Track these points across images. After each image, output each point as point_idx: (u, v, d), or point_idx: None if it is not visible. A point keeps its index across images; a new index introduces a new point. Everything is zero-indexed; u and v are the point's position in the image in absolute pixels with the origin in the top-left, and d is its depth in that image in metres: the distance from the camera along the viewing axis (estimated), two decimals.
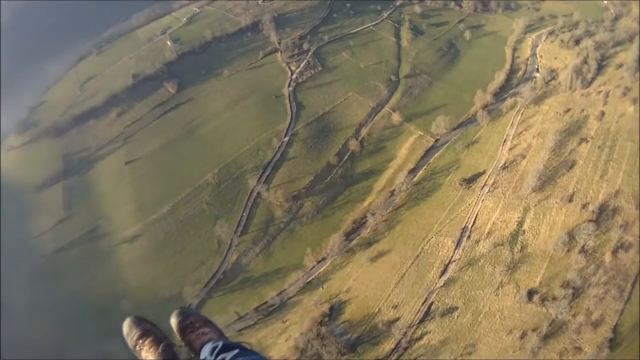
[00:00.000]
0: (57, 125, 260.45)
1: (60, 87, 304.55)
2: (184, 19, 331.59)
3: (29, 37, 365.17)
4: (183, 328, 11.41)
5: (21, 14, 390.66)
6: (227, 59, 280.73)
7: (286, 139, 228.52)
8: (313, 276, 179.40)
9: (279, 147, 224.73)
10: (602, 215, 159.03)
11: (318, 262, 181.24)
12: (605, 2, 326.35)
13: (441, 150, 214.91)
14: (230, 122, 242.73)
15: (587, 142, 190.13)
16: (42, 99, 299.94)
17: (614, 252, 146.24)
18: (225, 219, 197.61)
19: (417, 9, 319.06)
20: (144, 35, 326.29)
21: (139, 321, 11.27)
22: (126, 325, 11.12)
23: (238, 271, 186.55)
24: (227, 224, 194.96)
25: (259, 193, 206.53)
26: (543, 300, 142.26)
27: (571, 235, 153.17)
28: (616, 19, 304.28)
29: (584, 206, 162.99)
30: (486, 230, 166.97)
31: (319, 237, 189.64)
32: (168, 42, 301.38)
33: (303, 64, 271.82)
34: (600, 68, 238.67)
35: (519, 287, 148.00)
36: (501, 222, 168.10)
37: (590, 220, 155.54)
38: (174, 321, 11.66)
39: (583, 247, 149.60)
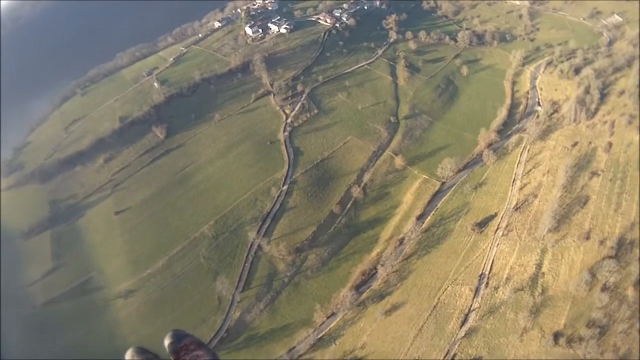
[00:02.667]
0: (42, 169, 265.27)
1: (45, 128, 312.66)
2: (171, 59, 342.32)
3: (12, 74, 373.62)
4: (177, 350, 12.41)
5: (3, 50, 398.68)
6: (217, 102, 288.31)
7: (285, 187, 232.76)
8: (324, 332, 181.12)
9: (278, 197, 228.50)
10: (621, 249, 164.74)
11: (328, 318, 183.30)
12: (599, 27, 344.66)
13: (448, 194, 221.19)
14: (224, 170, 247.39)
15: (598, 175, 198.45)
16: (27, 139, 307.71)
17: (635, 285, 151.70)
18: (225, 274, 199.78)
19: (412, 45, 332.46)
20: (129, 75, 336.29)
21: (141, 351, 12.30)
22: (129, 355, 12.17)
23: (242, 329, 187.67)
24: (228, 279, 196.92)
25: (259, 246, 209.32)
26: (569, 341, 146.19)
27: (592, 273, 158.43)
28: (610, 43, 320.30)
29: (602, 242, 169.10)
30: (504, 276, 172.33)
31: (326, 291, 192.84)
32: (155, 84, 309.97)
33: (298, 106, 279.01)
34: (602, 97, 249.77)
35: (543, 331, 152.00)
36: (519, 266, 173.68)
37: (610, 257, 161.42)
38: (167, 343, 12.66)
39: (605, 284, 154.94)
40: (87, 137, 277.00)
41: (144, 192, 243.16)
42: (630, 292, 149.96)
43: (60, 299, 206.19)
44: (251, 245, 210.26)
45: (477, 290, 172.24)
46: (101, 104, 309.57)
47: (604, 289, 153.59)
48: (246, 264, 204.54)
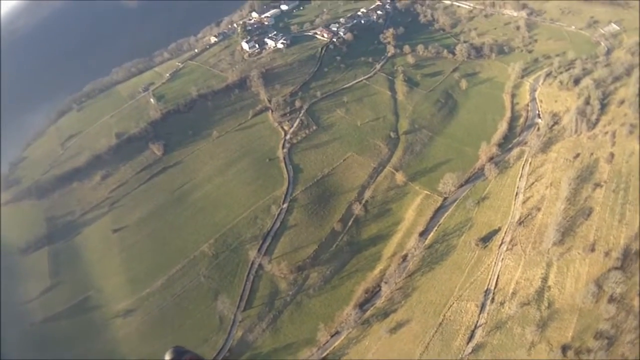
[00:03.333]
0: (39, 185, 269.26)
1: (41, 143, 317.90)
2: (167, 74, 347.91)
3: (8, 87, 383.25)
4: None
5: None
6: (215, 119, 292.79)
7: (285, 205, 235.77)
8: (328, 351, 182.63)
9: (278, 215, 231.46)
10: (626, 260, 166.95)
11: (332, 336, 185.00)
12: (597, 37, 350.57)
13: (451, 209, 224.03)
14: (222, 187, 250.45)
15: (601, 186, 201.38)
16: (23, 154, 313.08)
17: None
18: (226, 293, 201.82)
19: (410, 59, 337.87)
20: (125, 91, 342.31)
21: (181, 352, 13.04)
22: (168, 355, 12.95)
23: (245, 348, 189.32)
24: (229, 299, 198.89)
25: (260, 265, 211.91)
26: (578, 353, 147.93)
27: (598, 285, 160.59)
28: (609, 52, 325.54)
29: (607, 254, 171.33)
30: (510, 291, 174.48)
31: (329, 309, 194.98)
32: (152, 100, 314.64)
33: (296, 123, 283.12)
34: (602, 107, 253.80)
35: (551, 344, 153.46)
36: (525, 280, 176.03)
37: (616, 268, 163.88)
38: (168, 359, 13.33)
39: (611, 295, 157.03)
40: (84, 153, 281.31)
41: (142, 210, 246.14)
42: (637, 303, 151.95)
43: (59, 317, 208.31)
44: (252, 264, 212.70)
45: (483, 306, 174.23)
46: (97, 119, 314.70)
47: (611, 300, 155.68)
48: (247, 283, 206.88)
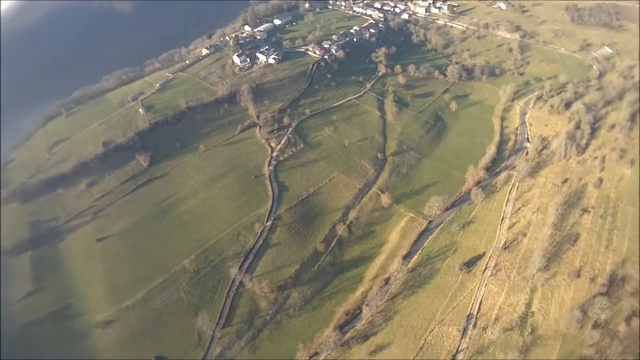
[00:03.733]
0: (25, 189, 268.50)
1: (29, 146, 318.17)
2: (157, 84, 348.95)
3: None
4: None
5: None
6: (202, 132, 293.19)
7: (268, 223, 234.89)
8: None
9: (261, 233, 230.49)
10: (612, 286, 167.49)
11: (310, 357, 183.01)
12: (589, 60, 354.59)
13: (435, 233, 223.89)
14: (207, 202, 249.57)
15: (589, 212, 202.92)
16: (11, 156, 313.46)
17: (627, 320, 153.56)
18: (206, 310, 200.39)
19: (401, 79, 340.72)
20: (115, 99, 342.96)
21: None
22: None
23: None
24: (209, 315, 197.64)
25: (241, 282, 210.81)
26: None
27: (583, 311, 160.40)
28: (601, 75, 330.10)
29: (593, 279, 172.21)
30: (493, 316, 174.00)
31: (309, 329, 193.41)
32: (140, 110, 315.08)
33: (284, 140, 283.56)
34: (593, 131, 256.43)
35: None
36: (508, 305, 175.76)
37: (602, 294, 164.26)
38: None
39: (596, 321, 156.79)
40: (70, 159, 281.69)
41: (126, 220, 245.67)
42: (622, 328, 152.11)
43: (41, 322, 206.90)
44: (233, 281, 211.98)
45: (465, 331, 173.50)
46: (85, 126, 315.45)
47: (595, 326, 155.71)
48: (227, 300, 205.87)
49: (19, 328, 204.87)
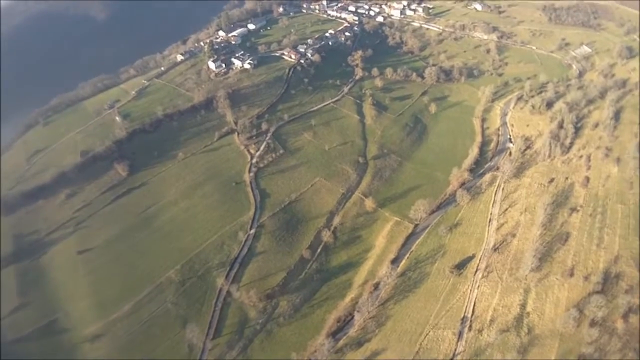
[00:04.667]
0: (6, 201, 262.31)
1: (9, 157, 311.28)
2: (133, 92, 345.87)
3: None
4: None
5: None
6: (180, 140, 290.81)
7: (252, 231, 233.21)
8: None
9: (246, 241, 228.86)
10: (607, 283, 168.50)
11: None
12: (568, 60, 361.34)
13: (423, 236, 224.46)
14: (188, 211, 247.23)
15: (577, 211, 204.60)
16: None
17: (624, 317, 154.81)
18: (195, 321, 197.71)
19: (378, 82, 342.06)
20: (91, 107, 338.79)
21: None
22: None
23: None
24: (198, 326, 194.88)
25: (229, 292, 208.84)
26: None
27: (579, 309, 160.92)
28: (581, 75, 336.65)
29: (586, 278, 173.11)
30: (488, 318, 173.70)
31: (300, 338, 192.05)
32: (117, 118, 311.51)
33: (263, 146, 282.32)
34: (576, 130, 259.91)
35: None
36: (502, 307, 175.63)
37: (597, 292, 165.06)
38: None
39: (593, 319, 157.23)
40: (49, 170, 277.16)
41: (107, 232, 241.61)
42: (620, 325, 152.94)
43: (28, 338, 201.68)
44: (220, 291, 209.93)
45: (460, 334, 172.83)
46: (63, 135, 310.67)
47: (593, 324, 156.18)
48: (216, 311, 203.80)
49: (7, 345, 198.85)
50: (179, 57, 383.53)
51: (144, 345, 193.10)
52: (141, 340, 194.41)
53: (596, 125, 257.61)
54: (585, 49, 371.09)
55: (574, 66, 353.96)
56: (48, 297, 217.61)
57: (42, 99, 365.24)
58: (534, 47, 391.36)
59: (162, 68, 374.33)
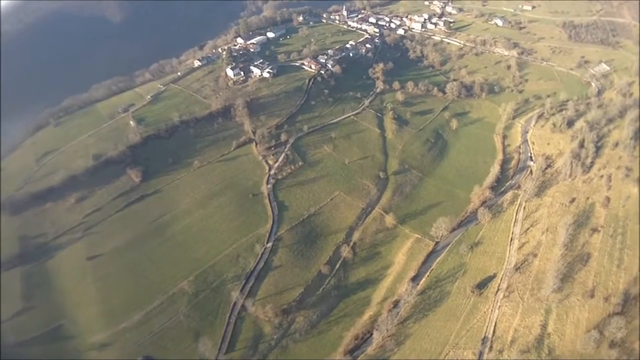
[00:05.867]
0: (13, 201, 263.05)
1: (17, 156, 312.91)
2: (148, 96, 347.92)
3: None
4: None
5: None
6: (196, 147, 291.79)
7: (269, 244, 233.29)
8: None
9: (262, 254, 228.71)
10: (626, 305, 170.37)
11: None
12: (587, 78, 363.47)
13: (443, 254, 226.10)
14: (203, 222, 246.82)
15: (598, 232, 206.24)
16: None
17: None
18: (208, 334, 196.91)
19: (400, 96, 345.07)
20: (104, 110, 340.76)
21: None
22: None
23: None
24: (210, 340, 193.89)
25: (243, 306, 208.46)
26: None
27: (599, 331, 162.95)
28: (600, 93, 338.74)
29: (607, 299, 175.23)
30: (509, 338, 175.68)
31: (316, 355, 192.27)
32: (131, 122, 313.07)
33: (282, 157, 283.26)
34: (597, 149, 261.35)
35: None
36: (523, 327, 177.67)
37: (616, 313, 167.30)
38: None
39: (612, 340, 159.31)
40: (59, 172, 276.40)
41: (118, 238, 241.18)
42: (638, 346, 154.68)
43: (32, 343, 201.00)
44: (234, 304, 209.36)
45: (480, 354, 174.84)
46: (74, 137, 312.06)
47: (612, 345, 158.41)
48: (229, 325, 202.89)
49: (10, 348, 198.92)
50: (196, 63, 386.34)
51: (154, 356, 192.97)
52: (151, 352, 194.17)
53: (616, 144, 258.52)
54: (604, 67, 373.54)
55: (593, 84, 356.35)
56: (54, 302, 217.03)
57: (54, 100, 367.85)
58: (554, 64, 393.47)
59: (179, 73, 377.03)
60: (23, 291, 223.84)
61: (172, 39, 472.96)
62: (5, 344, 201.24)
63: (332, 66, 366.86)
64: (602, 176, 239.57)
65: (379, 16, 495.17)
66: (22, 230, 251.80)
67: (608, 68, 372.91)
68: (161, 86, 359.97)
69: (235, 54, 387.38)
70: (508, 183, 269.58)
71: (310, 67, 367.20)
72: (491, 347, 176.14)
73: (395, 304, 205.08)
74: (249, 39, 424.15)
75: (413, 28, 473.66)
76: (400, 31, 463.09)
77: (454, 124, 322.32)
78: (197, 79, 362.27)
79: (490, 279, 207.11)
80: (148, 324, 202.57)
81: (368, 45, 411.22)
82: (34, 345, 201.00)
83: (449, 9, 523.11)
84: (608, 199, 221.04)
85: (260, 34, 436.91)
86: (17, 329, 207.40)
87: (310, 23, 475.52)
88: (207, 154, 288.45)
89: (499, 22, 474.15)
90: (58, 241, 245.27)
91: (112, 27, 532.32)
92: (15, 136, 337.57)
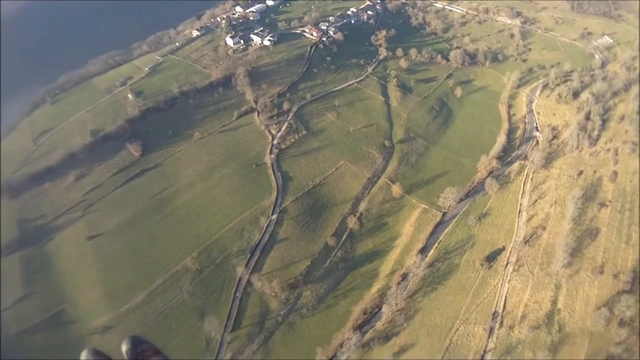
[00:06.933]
0: (10, 184, 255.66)
1: (13, 138, 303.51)
2: (146, 68, 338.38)
3: None
4: (134, 356, 13.47)
5: None
6: (197, 118, 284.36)
7: (274, 216, 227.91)
8: None
9: (267, 227, 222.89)
10: (635, 282, 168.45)
11: None
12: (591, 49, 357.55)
13: (451, 226, 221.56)
14: (206, 195, 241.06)
15: (606, 206, 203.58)
16: None
17: None
18: (213, 312, 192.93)
19: (403, 63, 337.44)
20: (102, 84, 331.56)
21: (96, 353, 13.20)
22: (84, 355, 12.81)
23: None
24: (216, 318, 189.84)
25: (249, 281, 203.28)
26: None
27: (608, 308, 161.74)
28: (603, 65, 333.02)
29: (616, 276, 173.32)
30: (519, 314, 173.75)
31: (324, 330, 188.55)
32: (129, 95, 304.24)
33: (284, 126, 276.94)
34: (603, 122, 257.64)
35: None
36: (534, 303, 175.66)
37: (625, 291, 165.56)
38: (125, 348, 13.54)
39: (621, 319, 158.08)
40: (57, 151, 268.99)
41: (119, 216, 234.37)
42: None
43: (33, 330, 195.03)
44: (239, 280, 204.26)
45: (491, 330, 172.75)
46: (72, 114, 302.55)
47: (621, 323, 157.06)
48: (235, 301, 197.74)
49: (11, 338, 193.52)
50: (195, 33, 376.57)
51: (158, 338, 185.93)
52: (155, 333, 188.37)
53: (622, 118, 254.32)
54: (607, 39, 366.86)
55: (596, 56, 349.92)
56: (54, 286, 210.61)
57: (50, 77, 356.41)
58: (557, 35, 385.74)
59: (177, 44, 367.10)
60: (23, 277, 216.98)
61: (169, 10, 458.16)
62: (7, 334, 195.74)
63: (334, 33, 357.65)
64: (608, 149, 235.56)
65: None
66: (21, 214, 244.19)
67: (611, 40, 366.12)
68: (159, 58, 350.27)
69: (235, 22, 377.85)
70: (514, 153, 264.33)
71: (312, 35, 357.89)
72: (502, 322, 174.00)
73: (404, 276, 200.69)
74: (248, 7, 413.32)
75: None
76: None
77: (459, 92, 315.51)
78: (196, 49, 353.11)
79: (499, 251, 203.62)
80: (151, 304, 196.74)
81: (370, 12, 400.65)
82: (36, 332, 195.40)
83: None
84: (615, 173, 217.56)
85: (260, 2, 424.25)
86: (18, 317, 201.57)
87: None
88: (208, 124, 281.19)
89: None
90: (57, 222, 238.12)
91: (107, 1, 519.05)
92: (12, 117, 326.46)
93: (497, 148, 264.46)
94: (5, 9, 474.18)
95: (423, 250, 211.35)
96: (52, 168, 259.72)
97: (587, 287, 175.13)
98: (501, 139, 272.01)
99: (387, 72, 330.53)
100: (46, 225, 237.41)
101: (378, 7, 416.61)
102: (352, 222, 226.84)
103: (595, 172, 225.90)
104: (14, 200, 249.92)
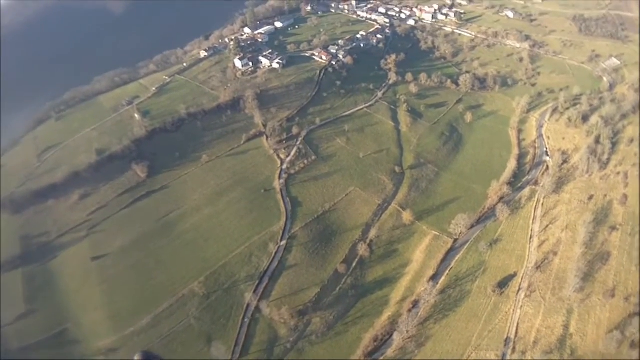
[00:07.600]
0: (14, 199, 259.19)
1: (18, 152, 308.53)
2: (153, 88, 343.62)
3: None
4: None
5: None
6: (204, 141, 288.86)
7: (283, 242, 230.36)
8: None
9: (276, 253, 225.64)
10: None
11: None
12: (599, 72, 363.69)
13: (462, 252, 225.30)
14: (213, 219, 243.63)
15: (617, 230, 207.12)
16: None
17: None
18: (220, 338, 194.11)
19: (413, 88, 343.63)
20: (108, 103, 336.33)
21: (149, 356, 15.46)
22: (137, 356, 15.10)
23: None
24: (223, 344, 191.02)
25: (257, 307, 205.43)
26: None
27: (620, 331, 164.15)
28: (611, 87, 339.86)
29: (627, 299, 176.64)
30: (532, 339, 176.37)
31: (334, 357, 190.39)
32: (136, 115, 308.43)
33: (294, 151, 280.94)
34: (612, 145, 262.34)
35: None
36: (546, 328, 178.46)
37: (637, 314, 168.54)
38: None
39: (633, 341, 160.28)
40: (61, 168, 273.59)
41: (124, 237, 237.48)
42: None
43: (35, 347, 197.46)
44: (248, 306, 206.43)
45: (503, 356, 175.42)
46: (77, 132, 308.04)
47: (633, 345, 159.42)
48: (243, 327, 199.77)
49: (13, 353, 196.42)
50: (203, 54, 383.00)
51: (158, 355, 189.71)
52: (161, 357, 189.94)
53: (631, 140, 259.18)
54: (615, 61, 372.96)
55: (604, 78, 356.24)
56: (58, 305, 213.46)
57: (55, 93, 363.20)
58: (565, 58, 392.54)
59: (185, 64, 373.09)
60: (25, 293, 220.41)
61: (176, 29, 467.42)
62: (7, 350, 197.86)
63: (344, 57, 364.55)
64: (618, 173, 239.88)
65: (389, 6, 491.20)
66: (23, 230, 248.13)
67: (619, 62, 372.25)
68: (166, 77, 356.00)
69: (243, 44, 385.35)
70: (525, 178, 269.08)
71: (321, 58, 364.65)
72: (514, 348, 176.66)
73: (415, 304, 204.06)
74: (256, 29, 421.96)
75: (424, 19, 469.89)
76: (411, 22, 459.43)
77: (469, 117, 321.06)
78: (203, 70, 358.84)
79: (511, 277, 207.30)
80: (157, 328, 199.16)
81: (379, 36, 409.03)
82: (37, 350, 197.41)
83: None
84: (625, 196, 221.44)
85: (268, 24, 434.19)
86: (20, 333, 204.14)
87: (319, 13, 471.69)
88: (216, 147, 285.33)
89: (510, 14, 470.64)
90: (61, 240, 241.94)
91: (114, 19, 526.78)
92: (16, 131, 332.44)
93: (507, 173, 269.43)
94: (11, 25, 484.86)
95: (434, 277, 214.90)
96: (57, 185, 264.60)
97: (599, 310, 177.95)
98: (511, 164, 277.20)
99: (397, 97, 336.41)
100: (50, 243, 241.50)
101: (387, 31, 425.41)
102: (362, 249, 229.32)
103: (605, 195, 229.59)
104: (17, 216, 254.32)
